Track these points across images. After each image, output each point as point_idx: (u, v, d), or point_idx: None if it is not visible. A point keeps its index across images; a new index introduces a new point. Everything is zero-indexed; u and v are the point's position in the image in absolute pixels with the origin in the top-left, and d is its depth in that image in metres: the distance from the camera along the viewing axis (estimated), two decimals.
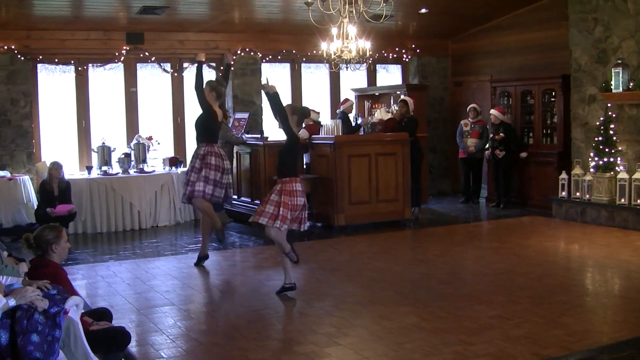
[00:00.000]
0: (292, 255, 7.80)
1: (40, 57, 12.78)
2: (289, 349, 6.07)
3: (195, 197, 9.35)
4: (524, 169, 14.01)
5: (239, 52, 14.19)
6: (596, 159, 12.06)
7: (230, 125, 13.16)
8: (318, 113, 13.13)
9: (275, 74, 15.11)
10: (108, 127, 13.54)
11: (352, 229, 11.77)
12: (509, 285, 8.09)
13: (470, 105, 14.91)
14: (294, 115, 7.81)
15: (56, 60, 13.00)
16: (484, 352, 5.85)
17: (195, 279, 8.83)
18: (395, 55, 16.12)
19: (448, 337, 6.28)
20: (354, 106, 14.59)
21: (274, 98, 7.76)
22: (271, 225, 7.54)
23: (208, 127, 9.63)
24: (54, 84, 13.24)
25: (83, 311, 5.78)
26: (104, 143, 12.71)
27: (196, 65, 9.80)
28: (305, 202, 7.83)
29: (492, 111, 14.06)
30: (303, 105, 11.72)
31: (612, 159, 11.88)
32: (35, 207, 11.42)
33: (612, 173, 11.84)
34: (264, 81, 8.41)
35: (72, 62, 13.17)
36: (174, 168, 13.22)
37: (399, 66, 16.78)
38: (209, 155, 9.40)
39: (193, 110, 14.13)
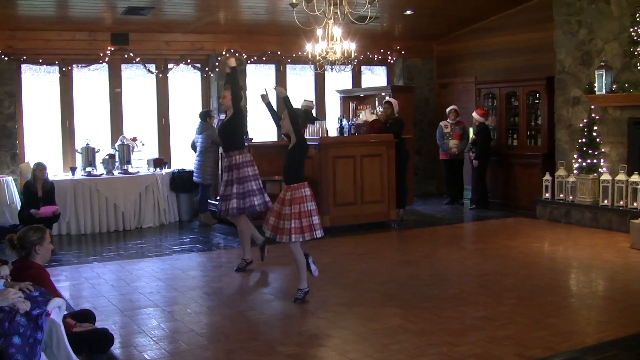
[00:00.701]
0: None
1: (25, 57, 12.70)
2: (273, 351, 6.05)
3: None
4: (509, 171, 14.05)
5: (224, 53, 14.15)
6: (580, 160, 12.11)
7: (215, 125, 13.14)
8: (312, 101, 13.05)
9: (261, 75, 15.12)
10: (92, 128, 13.47)
11: (337, 231, 11.75)
12: (494, 287, 8.10)
13: (450, 107, 14.94)
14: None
15: (41, 60, 12.92)
16: (469, 353, 5.86)
17: (179, 281, 8.79)
18: (380, 57, 16.13)
19: (433, 338, 6.28)
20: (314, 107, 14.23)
21: (286, 102, 7.62)
22: (294, 241, 7.55)
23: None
24: (38, 84, 13.17)
25: (66, 313, 5.75)
26: (88, 144, 12.64)
27: (229, 71, 9.16)
28: (316, 206, 7.77)
29: (473, 113, 14.14)
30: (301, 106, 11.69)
31: (595, 161, 11.94)
32: (19, 208, 11.35)
33: (595, 175, 11.89)
34: (263, 92, 8.46)
35: (57, 62, 13.10)
36: (158, 169, 13.18)
37: (384, 68, 16.80)
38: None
39: (178, 111, 14.15)
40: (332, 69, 11.80)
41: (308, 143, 8.01)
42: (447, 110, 14.93)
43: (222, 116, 13.01)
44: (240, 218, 9.24)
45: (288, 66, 15.37)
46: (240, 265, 9.24)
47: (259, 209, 9.21)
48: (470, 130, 14.60)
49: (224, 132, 9.29)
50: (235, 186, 9.00)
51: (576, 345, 6.03)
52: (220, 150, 9.76)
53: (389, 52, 16.17)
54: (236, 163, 9.05)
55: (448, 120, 14.82)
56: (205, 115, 13.13)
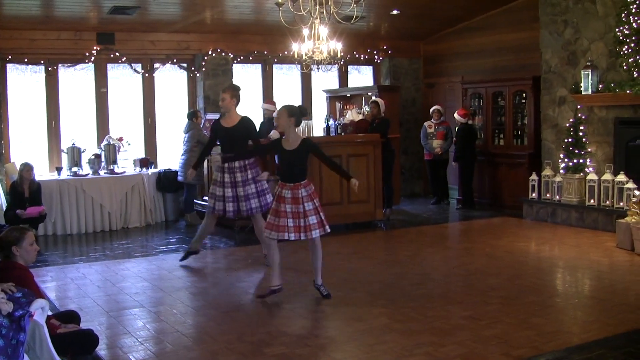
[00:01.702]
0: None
1: (10, 57, 12.63)
2: (259, 351, 6.03)
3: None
4: (495, 171, 14.08)
5: (210, 52, 14.12)
6: (566, 160, 12.14)
7: (202, 125, 13.11)
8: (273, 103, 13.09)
9: (247, 75, 15.09)
10: (78, 128, 13.40)
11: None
12: (481, 286, 8.11)
13: (434, 107, 14.97)
14: (291, 117, 7.63)
15: (26, 60, 12.85)
16: (455, 353, 5.85)
17: (165, 281, 8.76)
18: (367, 57, 16.14)
19: (419, 338, 6.27)
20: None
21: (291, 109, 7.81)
22: (323, 233, 7.63)
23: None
24: (24, 84, 13.09)
25: (51, 314, 5.72)
26: (74, 144, 12.59)
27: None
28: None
29: (455, 114, 14.20)
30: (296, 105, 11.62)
31: (581, 161, 11.98)
32: (5, 208, 11.29)
33: (581, 174, 11.93)
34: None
35: (43, 62, 13.04)
36: (144, 169, 13.14)
37: (371, 67, 16.80)
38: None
39: (164, 111, 14.11)
40: (318, 68, 11.78)
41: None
42: (431, 110, 14.96)
43: (212, 116, 12.98)
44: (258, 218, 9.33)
45: (274, 66, 15.35)
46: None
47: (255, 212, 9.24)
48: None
49: (228, 137, 9.26)
50: (234, 189, 9.11)
51: (562, 345, 6.04)
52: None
53: (375, 52, 16.18)
54: (239, 166, 9.10)
55: (432, 120, 14.84)
56: (192, 115, 13.10)
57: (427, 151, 14.87)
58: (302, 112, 7.92)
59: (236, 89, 9.40)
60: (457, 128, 14.29)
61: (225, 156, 9.05)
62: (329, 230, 7.68)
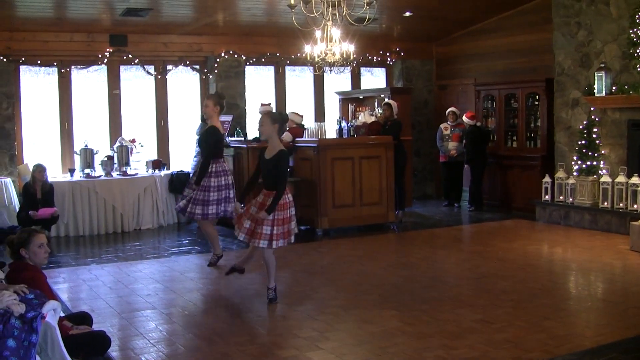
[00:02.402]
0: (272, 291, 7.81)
1: (23, 58, 12.69)
2: (270, 353, 6.04)
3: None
4: (508, 173, 14.05)
5: (222, 54, 14.15)
6: (579, 162, 12.09)
7: (197, 130, 13.13)
8: (302, 116, 13.09)
9: (260, 77, 15.12)
10: (91, 130, 13.47)
11: (335, 233, 11.76)
12: (492, 289, 8.08)
13: (450, 109, 14.95)
14: (275, 124, 7.52)
15: (39, 62, 12.91)
16: (466, 356, 5.84)
17: (177, 283, 8.77)
18: (379, 59, 16.12)
19: (431, 341, 6.26)
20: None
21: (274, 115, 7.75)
22: (270, 247, 7.50)
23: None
24: (37, 85, 13.16)
25: (63, 315, 5.74)
26: (86, 145, 12.62)
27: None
28: (294, 211, 7.71)
29: (463, 117, 14.23)
30: (283, 110, 11.66)
31: (595, 163, 11.93)
32: (17, 209, 11.34)
33: (595, 177, 11.88)
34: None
35: (55, 63, 13.09)
36: (157, 171, 13.17)
37: (384, 69, 16.78)
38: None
39: (176, 113, 14.14)
40: (331, 70, 11.79)
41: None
42: (447, 112, 14.95)
43: (225, 118, 12.97)
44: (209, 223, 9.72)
45: (287, 68, 15.37)
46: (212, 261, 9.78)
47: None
48: None
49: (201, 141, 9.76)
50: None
51: (574, 348, 6.01)
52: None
53: (388, 54, 16.16)
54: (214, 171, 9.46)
55: (447, 122, 14.82)
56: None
57: (443, 153, 14.84)
58: (284, 118, 7.95)
59: (221, 97, 9.73)
60: (465, 131, 14.30)
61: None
62: (291, 242, 7.73)
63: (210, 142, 9.44)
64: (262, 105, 13.35)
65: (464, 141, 14.37)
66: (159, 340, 6.48)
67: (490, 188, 14.41)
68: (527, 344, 6.13)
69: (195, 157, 12.88)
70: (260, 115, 7.83)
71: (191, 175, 12.93)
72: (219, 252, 9.75)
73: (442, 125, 14.93)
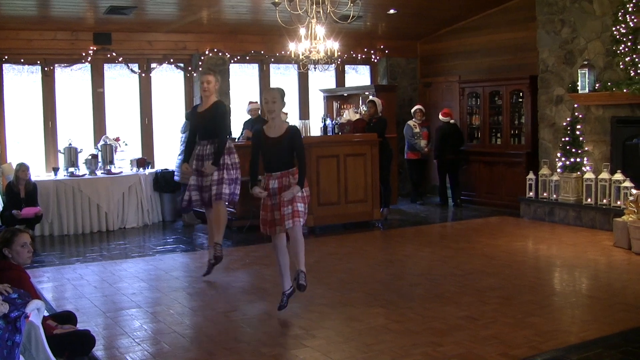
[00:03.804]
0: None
1: (6, 57, 12.61)
2: (256, 352, 6.02)
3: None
4: (493, 170, 14.09)
5: (207, 52, 14.11)
6: (563, 159, 12.14)
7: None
8: (286, 114, 13.07)
9: (245, 75, 15.09)
10: (75, 128, 13.39)
11: (320, 230, 11.75)
12: (478, 286, 8.10)
13: (417, 107, 15.04)
14: (283, 101, 7.13)
15: (22, 60, 12.83)
16: (453, 353, 5.84)
17: (162, 281, 8.74)
18: (364, 56, 16.12)
19: (417, 338, 6.26)
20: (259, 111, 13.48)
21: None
22: (303, 225, 7.07)
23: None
24: (20, 84, 13.07)
25: (47, 314, 5.71)
26: (70, 144, 12.56)
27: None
28: None
29: (439, 114, 14.52)
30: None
31: (579, 159, 11.98)
32: (1, 209, 11.27)
33: (579, 173, 11.93)
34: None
35: (39, 62, 13.01)
36: (141, 169, 13.12)
37: (368, 67, 16.79)
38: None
39: (161, 111, 14.09)
40: (315, 68, 11.79)
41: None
42: (413, 110, 15.01)
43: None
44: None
45: (271, 65, 15.35)
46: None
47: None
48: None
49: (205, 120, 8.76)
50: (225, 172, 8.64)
51: (560, 344, 6.03)
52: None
53: (372, 52, 16.16)
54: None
55: (414, 119, 14.87)
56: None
57: (415, 150, 14.86)
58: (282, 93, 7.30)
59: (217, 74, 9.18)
60: (437, 127, 14.48)
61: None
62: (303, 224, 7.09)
63: (227, 118, 8.96)
64: (250, 103, 13.33)
65: (433, 137, 14.59)
66: (144, 339, 6.45)
67: (476, 185, 14.45)
68: (513, 340, 6.14)
69: (179, 155, 12.84)
70: (266, 90, 7.23)
71: (176, 173, 12.90)
72: (221, 239, 8.81)
73: (410, 123, 14.94)
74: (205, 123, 8.67)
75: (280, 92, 7.11)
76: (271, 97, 7.01)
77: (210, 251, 8.77)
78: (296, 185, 6.86)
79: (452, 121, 14.47)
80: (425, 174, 15.41)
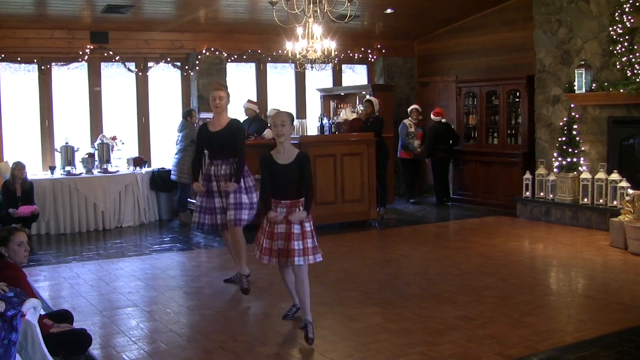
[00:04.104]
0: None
1: (3, 55, 12.58)
2: (252, 351, 6.02)
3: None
4: (489, 169, 14.10)
5: (204, 51, 14.10)
6: (560, 159, 12.15)
7: (195, 125, 13.07)
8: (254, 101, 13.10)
9: (242, 74, 15.09)
10: (72, 127, 13.36)
11: (317, 230, 11.68)
12: (475, 285, 8.10)
13: (413, 106, 15.07)
14: (292, 125, 6.73)
15: (19, 59, 12.81)
16: (449, 353, 5.85)
17: (159, 281, 8.74)
18: (361, 56, 16.12)
19: (413, 337, 6.26)
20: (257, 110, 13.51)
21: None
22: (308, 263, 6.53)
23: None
24: (17, 82, 13.05)
25: (43, 313, 5.70)
26: (67, 143, 12.55)
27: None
28: None
29: (431, 114, 14.60)
30: (264, 108, 11.42)
31: (575, 159, 11.99)
32: None
33: (575, 173, 11.94)
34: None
35: (36, 61, 13.00)
36: (138, 168, 13.11)
37: (365, 66, 16.79)
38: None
39: (158, 110, 14.08)
40: (312, 67, 11.80)
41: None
42: (409, 109, 15.02)
43: (206, 115, 12.90)
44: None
45: (268, 65, 15.35)
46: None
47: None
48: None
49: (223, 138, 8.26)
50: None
51: (556, 344, 6.04)
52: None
53: (369, 51, 16.16)
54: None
55: (411, 119, 14.88)
56: (187, 114, 13.10)
57: (409, 150, 14.88)
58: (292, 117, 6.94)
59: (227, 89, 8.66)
60: (428, 126, 14.56)
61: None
62: (319, 259, 6.62)
63: (244, 137, 8.59)
64: (249, 101, 13.32)
65: (424, 136, 14.79)
66: (140, 338, 6.45)
67: (471, 184, 14.46)
68: (510, 339, 6.15)
69: (176, 154, 12.85)
70: (274, 113, 6.75)
71: (173, 172, 12.89)
72: (247, 270, 8.27)
73: (406, 122, 14.95)
74: (221, 142, 8.18)
75: (290, 116, 6.69)
76: (280, 120, 6.51)
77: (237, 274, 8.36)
78: (304, 211, 6.53)
79: (443, 120, 14.55)
80: (419, 174, 15.42)
